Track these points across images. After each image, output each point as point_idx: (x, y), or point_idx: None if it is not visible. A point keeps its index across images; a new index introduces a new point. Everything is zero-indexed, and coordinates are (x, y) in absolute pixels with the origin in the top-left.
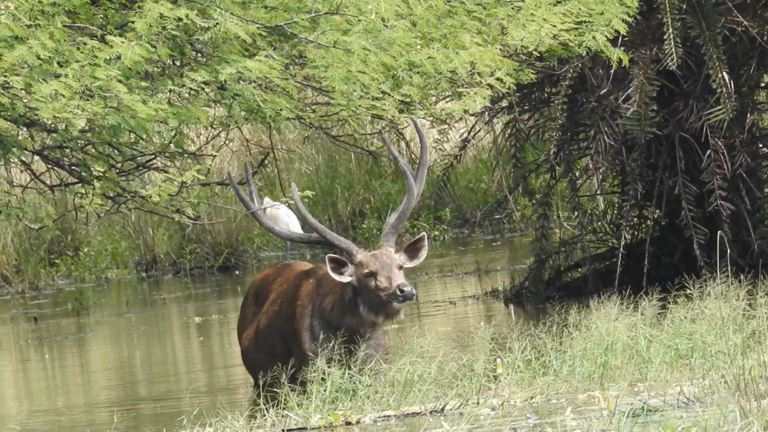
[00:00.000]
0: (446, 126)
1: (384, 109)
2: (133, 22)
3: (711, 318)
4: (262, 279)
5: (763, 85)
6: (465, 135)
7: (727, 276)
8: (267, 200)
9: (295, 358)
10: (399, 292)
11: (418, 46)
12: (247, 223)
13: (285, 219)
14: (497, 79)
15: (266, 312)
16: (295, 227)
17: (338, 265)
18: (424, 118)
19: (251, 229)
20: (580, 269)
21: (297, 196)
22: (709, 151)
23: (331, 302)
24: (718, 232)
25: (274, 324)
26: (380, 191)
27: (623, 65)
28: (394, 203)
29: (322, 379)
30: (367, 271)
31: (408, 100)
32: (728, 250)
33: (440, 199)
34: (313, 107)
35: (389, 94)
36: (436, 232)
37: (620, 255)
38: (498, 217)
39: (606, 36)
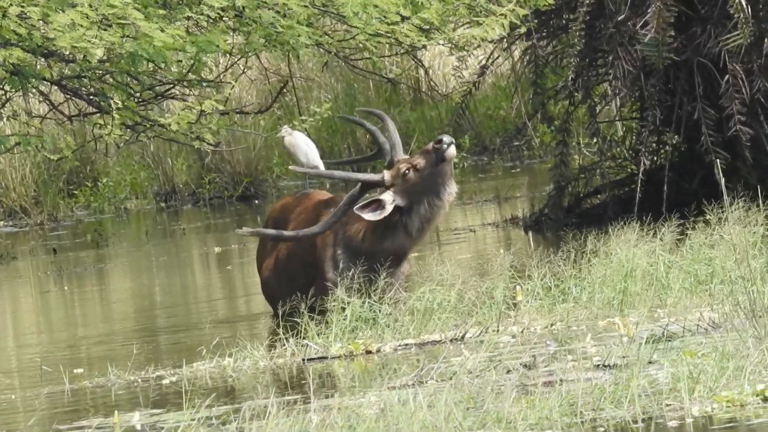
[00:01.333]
0: (465, 53)
1: (404, 34)
2: None
3: (730, 243)
4: (281, 208)
5: None
6: (483, 62)
7: (745, 201)
8: (285, 128)
9: (316, 288)
10: (437, 144)
11: None
12: (267, 151)
13: (304, 148)
14: (511, 8)
15: (284, 244)
16: (314, 155)
17: (374, 206)
18: (443, 44)
19: (270, 157)
20: (599, 196)
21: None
22: (727, 76)
23: (362, 229)
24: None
25: (294, 254)
26: (399, 119)
27: None
28: (413, 131)
29: (342, 308)
30: (404, 167)
31: (427, 26)
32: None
33: (459, 126)
34: (332, 33)
35: (408, 19)
36: (456, 160)
37: (639, 181)
38: (517, 144)
39: None
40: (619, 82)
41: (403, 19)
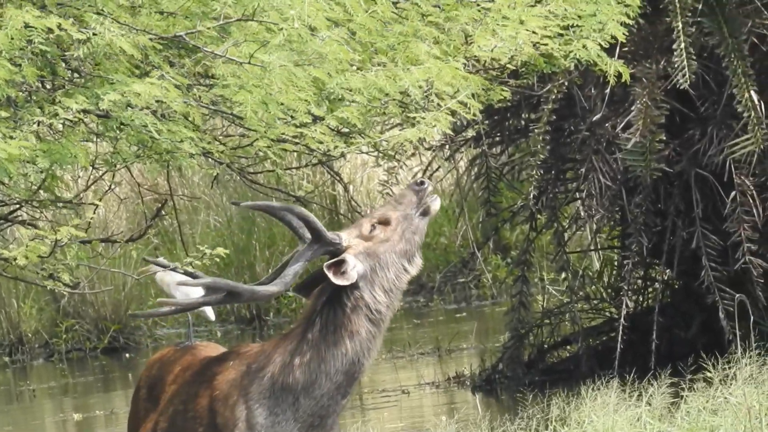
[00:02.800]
0: (396, 163)
1: (317, 139)
2: None
3: (738, 408)
4: (157, 364)
5: None
6: (419, 174)
7: (759, 353)
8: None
9: None
10: (418, 186)
11: (356, 65)
12: (140, 291)
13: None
14: (460, 102)
15: (164, 411)
16: (194, 295)
17: (336, 269)
18: (367, 153)
19: (145, 299)
20: (569, 347)
21: None
22: (734, 193)
23: (297, 357)
24: (738, 295)
25: (179, 428)
26: None
27: (623, 82)
28: None
29: None
30: (367, 225)
31: (347, 129)
32: (753, 319)
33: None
34: (224, 139)
35: (322, 119)
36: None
37: (621, 328)
38: (463, 280)
39: (600, 44)
40: (595, 201)
41: (316, 120)
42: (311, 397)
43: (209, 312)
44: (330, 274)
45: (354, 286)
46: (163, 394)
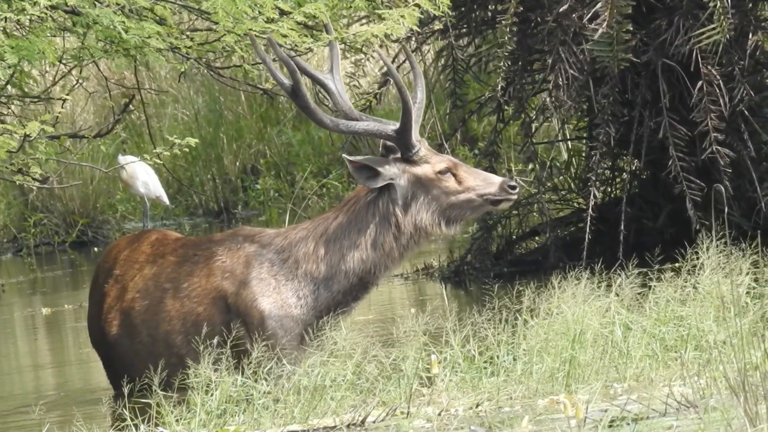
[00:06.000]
0: (363, 56)
1: (284, 34)
2: None
3: (706, 298)
4: (116, 250)
5: None
6: (384, 68)
7: (726, 243)
8: (121, 158)
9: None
10: (510, 186)
11: None
12: (108, 185)
13: (144, 177)
14: None
15: (143, 290)
16: (155, 184)
17: (369, 172)
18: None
19: (113, 193)
20: (537, 238)
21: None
22: (700, 83)
23: (321, 248)
24: (715, 185)
25: (168, 306)
26: (278, 141)
27: None
28: (296, 156)
29: (207, 387)
30: (445, 164)
31: (313, 23)
32: (726, 209)
33: (356, 150)
34: (191, 34)
35: (289, 14)
36: (349, 195)
37: (589, 218)
38: None
39: None
40: (562, 92)
41: (283, 14)
42: (330, 290)
43: (165, 197)
44: (350, 165)
45: (392, 200)
46: (133, 275)
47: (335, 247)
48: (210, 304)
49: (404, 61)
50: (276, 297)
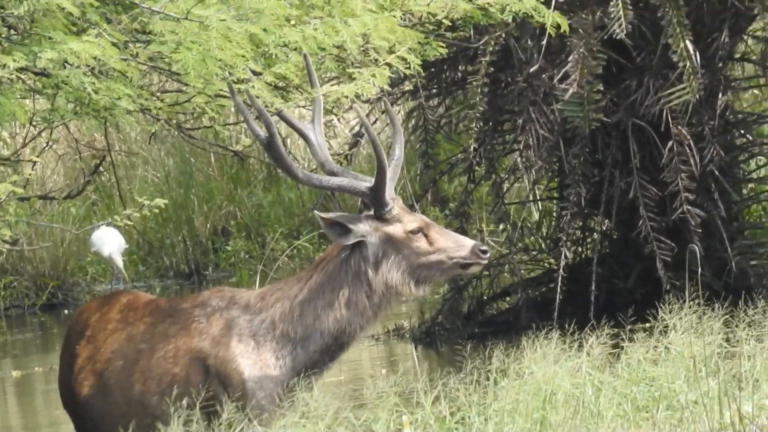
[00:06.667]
0: (333, 117)
1: (255, 94)
2: None
3: (678, 358)
4: (86, 313)
5: (737, 57)
6: (357, 128)
7: (699, 303)
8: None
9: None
10: (482, 250)
11: (293, 20)
12: (78, 247)
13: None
14: (398, 56)
15: (118, 351)
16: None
17: (341, 229)
18: (305, 107)
19: (83, 254)
20: (509, 298)
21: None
22: (671, 143)
23: (297, 309)
24: (690, 246)
25: (143, 366)
26: (249, 203)
27: (563, 31)
28: (266, 218)
29: None
30: (418, 224)
31: (284, 84)
32: (699, 269)
33: (327, 210)
34: (161, 95)
35: (259, 75)
36: (322, 254)
37: (560, 279)
38: None
39: None
40: (532, 152)
41: (254, 75)
42: (306, 350)
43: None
44: (321, 221)
45: (364, 258)
46: (105, 337)
47: (310, 307)
48: (187, 365)
49: (374, 122)
50: (255, 358)
